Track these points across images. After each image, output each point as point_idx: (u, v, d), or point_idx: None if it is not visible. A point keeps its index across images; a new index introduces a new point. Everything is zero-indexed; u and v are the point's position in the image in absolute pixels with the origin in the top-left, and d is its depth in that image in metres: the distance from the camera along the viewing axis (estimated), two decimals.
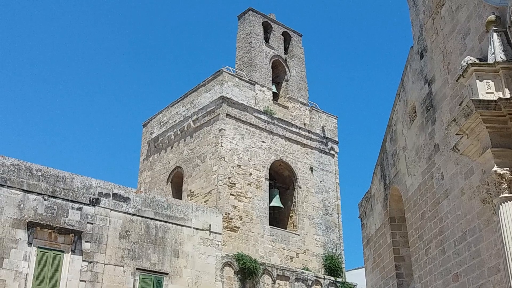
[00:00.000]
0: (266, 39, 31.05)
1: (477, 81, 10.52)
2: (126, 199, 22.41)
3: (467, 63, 10.75)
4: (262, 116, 28.63)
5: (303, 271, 26.67)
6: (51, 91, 66.73)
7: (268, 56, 30.53)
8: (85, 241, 20.74)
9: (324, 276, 27.32)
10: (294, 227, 28.13)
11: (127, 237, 21.90)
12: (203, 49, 73.71)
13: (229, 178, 26.26)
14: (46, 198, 20.43)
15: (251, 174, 27.16)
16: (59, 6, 67.55)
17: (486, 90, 10.43)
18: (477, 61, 10.76)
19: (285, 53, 31.77)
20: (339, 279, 27.77)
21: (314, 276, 26.90)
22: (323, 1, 74.35)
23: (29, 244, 19.51)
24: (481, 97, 10.32)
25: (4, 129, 61.86)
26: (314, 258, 27.78)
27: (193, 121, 28.78)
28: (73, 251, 20.35)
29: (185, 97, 30.17)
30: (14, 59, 64.33)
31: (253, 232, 26.02)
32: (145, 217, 22.69)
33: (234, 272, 24.36)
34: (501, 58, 10.56)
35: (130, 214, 22.30)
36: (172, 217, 23.39)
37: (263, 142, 28.29)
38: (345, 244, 29.55)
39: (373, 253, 18.41)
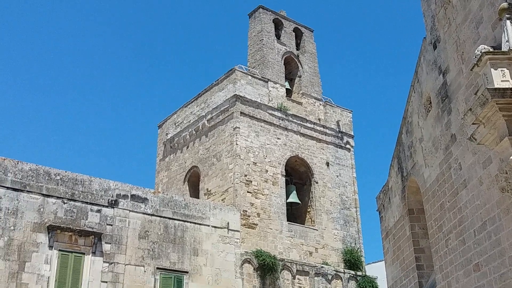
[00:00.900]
0: (278, 36, 31.06)
1: (492, 69, 10.46)
2: (144, 200, 22.57)
3: (481, 52, 10.69)
4: (276, 113, 28.65)
5: (323, 265, 26.68)
6: (67, 95, 67.27)
7: (280, 52, 30.53)
8: (105, 243, 20.93)
9: (344, 270, 27.31)
10: (312, 222, 28.14)
11: (146, 237, 22.06)
12: (215, 48, 73.88)
13: (246, 175, 26.33)
14: (65, 201, 20.64)
15: (267, 171, 27.21)
16: (73, 5, 68.03)
17: (501, 78, 10.37)
18: (491, 50, 10.71)
19: (297, 49, 31.75)
20: (359, 273, 27.74)
21: (334, 270, 26.90)
22: None
23: (50, 247, 19.74)
24: (496, 86, 10.26)
25: (22, 135, 62.48)
26: (334, 253, 27.78)
27: (207, 120, 28.89)
28: (93, 253, 20.56)
29: (198, 97, 30.29)
30: (32, 63, 64.95)
31: (271, 229, 26.08)
32: (164, 217, 22.84)
33: (254, 269, 24.44)
34: None
35: (148, 214, 22.47)
36: (190, 216, 23.52)
37: (278, 138, 28.32)
38: (364, 237, 29.50)
39: (392, 246, 18.37)
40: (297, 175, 29.42)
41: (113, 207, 21.65)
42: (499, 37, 11.06)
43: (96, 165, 66.66)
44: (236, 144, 26.69)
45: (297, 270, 25.72)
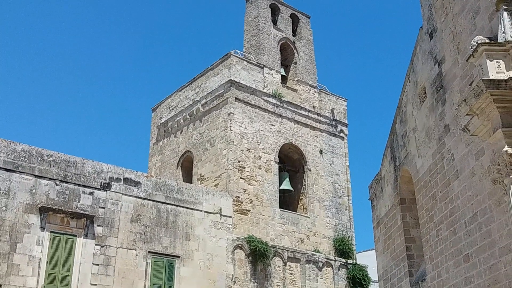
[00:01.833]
0: (274, 22, 30.89)
1: (487, 60, 10.45)
2: (137, 184, 22.54)
3: (477, 42, 10.67)
4: (271, 100, 28.58)
5: (314, 253, 26.78)
6: (61, 77, 66.91)
7: (276, 38, 30.40)
8: (97, 225, 20.91)
9: (335, 258, 27.43)
10: (305, 209, 28.21)
11: (138, 221, 22.06)
12: (211, 32, 73.52)
13: (239, 161, 26.32)
14: (58, 183, 20.59)
15: (260, 157, 27.20)
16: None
17: (497, 69, 10.37)
18: (487, 41, 10.68)
19: (293, 36, 31.61)
20: (349, 261, 27.87)
21: (325, 258, 27.01)
22: None
23: (42, 228, 19.71)
24: (491, 77, 10.26)
25: (15, 115, 62.18)
26: (325, 240, 27.88)
27: (202, 105, 28.80)
28: (85, 235, 20.54)
29: (193, 81, 30.16)
30: (25, 46, 64.46)
31: (263, 215, 26.13)
32: (156, 201, 22.83)
33: (245, 255, 24.51)
34: (511, 37, 10.47)
35: (141, 198, 22.45)
36: (183, 201, 23.52)
37: (272, 125, 28.28)
38: (355, 226, 29.59)
39: (383, 235, 18.45)
40: (290, 162, 29.44)
41: (106, 190, 21.61)
42: (496, 28, 11.03)
43: (89, 147, 66.59)
44: (230, 129, 26.65)
45: (288, 257, 25.82)
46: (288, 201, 28.95)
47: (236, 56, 28.23)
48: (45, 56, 66.47)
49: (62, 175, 20.75)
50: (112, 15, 70.42)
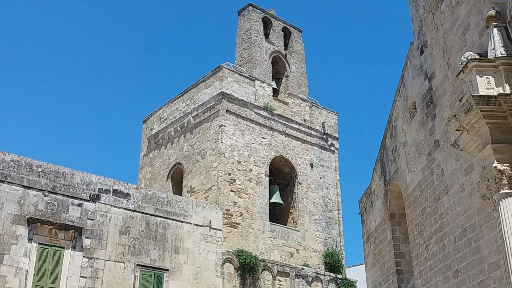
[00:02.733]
0: (266, 35, 31.00)
1: (477, 76, 10.50)
2: (126, 195, 22.40)
3: (467, 58, 10.72)
4: (262, 112, 28.59)
5: (304, 267, 26.67)
6: (51, 87, 66.72)
7: (268, 51, 30.48)
8: (86, 237, 20.73)
9: (324, 273, 27.32)
10: (295, 223, 28.13)
11: (127, 233, 21.90)
12: (203, 45, 73.68)
13: (229, 174, 26.25)
14: (47, 194, 20.42)
15: (251, 170, 27.15)
16: (58, 4, 67.42)
17: (486, 85, 10.41)
18: (477, 57, 10.74)
19: (285, 49, 31.72)
20: (339, 276, 27.76)
21: (315, 272, 26.90)
22: None
23: (30, 240, 19.51)
24: (481, 93, 10.29)
25: (4, 125, 61.87)
26: (315, 255, 27.78)
27: (193, 117, 28.76)
28: (73, 247, 20.35)
29: (185, 93, 30.14)
30: (15, 56, 64.30)
31: (253, 229, 26.02)
32: (146, 213, 22.68)
33: (235, 268, 24.36)
34: (501, 54, 10.52)
35: (130, 210, 22.30)
36: (173, 213, 23.39)
37: (263, 138, 28.27)
38: (345, 240, 29.62)
39: (373, 250, 18.40)
40: (281, 176, 29.40)
41: (95, 202, 21.46)
42: (486, 45, 11.09)
43: (78, 158, 66.28)
44: (221, 142, 26.60)
45: (277, 271, 25.68)
46: (278, 214, 28.87)
47: (228, 69, 28.26)
48: (35, 66, 66.35)
49: (51, 186, 20.59)
50: (103, 26, 70.47)
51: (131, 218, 22.23)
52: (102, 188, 21.80)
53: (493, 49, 10.66)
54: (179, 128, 29.59)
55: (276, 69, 31.22)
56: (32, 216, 19.66)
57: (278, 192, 28.27)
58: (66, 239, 20.25)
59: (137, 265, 21.71)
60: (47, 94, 66.65)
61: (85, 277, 20.35)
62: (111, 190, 22.05)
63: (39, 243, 19.63)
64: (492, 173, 10.05)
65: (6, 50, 63.16)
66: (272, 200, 27.71)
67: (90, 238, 20.86)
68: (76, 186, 21.24)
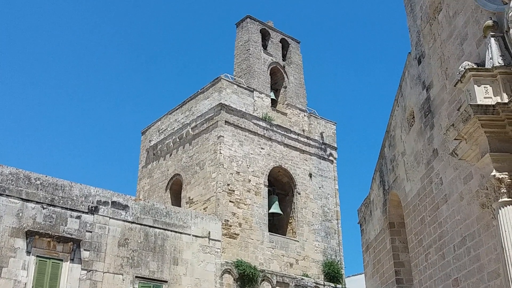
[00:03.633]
0: (264, 46, 31.12)
1: (475, 86, 10.55)
2: (125, 207, 22.37)
3: (465, 68, 10.78)
4: (260, 123, 28.63)
5: (303, 277, 26.60)
6: (49, 99, 66.76)
7: (266, 63, 30.59)
8: (84, 250, 20.67)
9: (324, 283, 27.24)
10: (294, 233, 28.08)
11: (126, 245, 21.84)
12: (202, 56, 73.87)
13: (228, 185, 26.23)
14: (45, 206, 20.39)
15: (250, 180, 27.14)
16: (54, 18, 67.63)
17: (484, 95, 10.47)
18: (475, 66, 10.80)
19: (283, 60, 31.83)
20: (339, 286, 27.69)
21: (314, 282, 26.82)
22: (320, 7, 74.58)
23: (28, 253, 19.44)
24: (479, 102, 10.35)
25: (2, 138, 61.84)
26: (314, 265, 27.72)
27: (191, 128, 28.79)
28: (72, 260, 20.28)
29: (183, 104, 30.19)
30: (13, 66, 64.39)
31: (252, 239, 25.97)
32: (144, 225, 22.64)
33: (234, 279, 24.29)
34: (499, 63, 10.59)
35: (129, 222, 22.25)
36: (171, 225, 23.35)
37: (261, 148, 28.29)
38: (344, 250, 29.48)
39: (372, 259, 18.37)
40: (280, 186, 29.39)
41: (93, 214, 21.42)
42: (483, 54, 11.16)
43: (77, 170, 66.17)
44: (220, 153, 26.61)
45: (277, 282, 25.60)
46: (277, 224, 28.82)
47: (227, 80, 28.34)
48: (33, 78, 66.41)
49: (49, 198, 20.56)
50: (102, 38, 70.66)
51: (130, 230, 22.18)
52: (100, 200, 21.77)
53: (490, 59, 10.73)
54: (177, 140, 29.61)
55: (274, 80, 31.30)
56: (31, 229, 19.61)
57: (277, 202, 28.25)
58: (64, 251, 20.19)
59: (136, 277, 21.64)
60: (45, 106, 66.71)
61: None
62: (110, 202, 22.01)
63: (37, 256, 19.57)
64: (491, 182, 10.08)
65: (5, 59, 63.30)
66: (271, 211, 27.67)
67: (89, 250, 20.80)
68: (75, 198, 21.21)
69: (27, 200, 20.07)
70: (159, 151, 30.77)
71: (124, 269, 21.48)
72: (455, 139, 10.92)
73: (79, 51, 68.85)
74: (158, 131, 31.30)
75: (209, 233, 24.24)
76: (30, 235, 19.54)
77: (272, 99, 30.21)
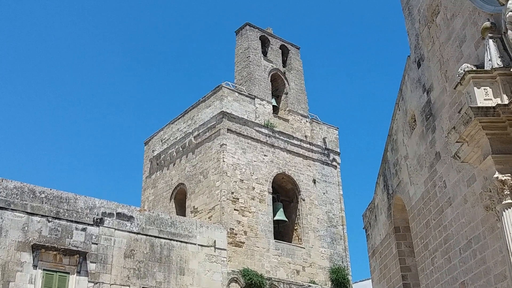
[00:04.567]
0: (264, 53, 31.17)
1: (475, 88, 10.55)
2: (130, 218, 22.38)
3: (464, 70, 10.77)
4: (263, 130, 28.65)
5: (310, 284, 26.53)
6: (52, 111, 66.95)
7: (266, 69, 30.63)
8: (90, 262, 20.68)
9: None
10: (299, 240, 28.02)
11: (132, 256, 21.84)
12: (202, 65, 74.02)
13: (232, 193, 26.22)
14: (50, 219, 20.42)
15: (254, 188, 27.12)
16: (54, 31, 67.92)
17: (484, 96, 10.46)
18: (474, 68, 10.80)
19: (284, 66, 31.87)
20: None
21: None
22: (319, 13, 74.73)
23: (35, 266, 19.46)
24: (479, 104, 10.34)
25: (6, 152, 61.99)
26: (321, 271, 27.64)
27: (194, 137, 28.82)
28: (78, 272, 20.29)
29: (185, 113, 30.24)
30: (15, 78, 64.64)
31: (258, 247, 25.92)
32: (150, 236, 22.64)
33: None
34: (498, 65, 10.58)
35: (134, 233, 22.27)
36: (177, 235, 23.33)
37: (264, 155, 28.28)
38: (351, 255, 29.40)
39: (379, 264, 18.32)
40: (284, 193, 29.35)
41: (99, 226, 21.44)
42: (482, 56, 11.15)
43: (81, 182, 66.23)
44: (223, 161, 26.62)
45: None
46: (283, 232, 28.77)
47: (228, 88, 28.38)
48: (36, 88, 66.65)
49: (54, 211, 20.60)
50: (102, 50, 70.90)
51: (135, 241, 22.19)
52: (105, 212, 21.80)
53: (489, 60, 10.73)
54: (180, 149, 29.64)
55: (275, 86, 31.34)
56: (37, 243, 19.64)
57: (281, 209, 28.20)
58: (71, 264, 20.20)
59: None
60: (48, 119, 66.89)
61: None
62: (115, 213, 22.03)
63: (44, 269, 19.58)
64: (494, 184, 10.06)
65: (7, 71, 63.54)
66: (276, 218, 27.63)
67: (95, 263, 20.81)
68: (80, 210, 21.24)
69: (33, 214, 20.11)
70: (163, 161, 30.81)
71: (131, 281, 21.47)
72: (456, 141, 10.91)
73: (83, 64, 69.11)
74: (161, 141, 31.35)
75: (215, 242, 24.22)
76: (36, 248, 19.57)
77: (273, 105, 30.24)
